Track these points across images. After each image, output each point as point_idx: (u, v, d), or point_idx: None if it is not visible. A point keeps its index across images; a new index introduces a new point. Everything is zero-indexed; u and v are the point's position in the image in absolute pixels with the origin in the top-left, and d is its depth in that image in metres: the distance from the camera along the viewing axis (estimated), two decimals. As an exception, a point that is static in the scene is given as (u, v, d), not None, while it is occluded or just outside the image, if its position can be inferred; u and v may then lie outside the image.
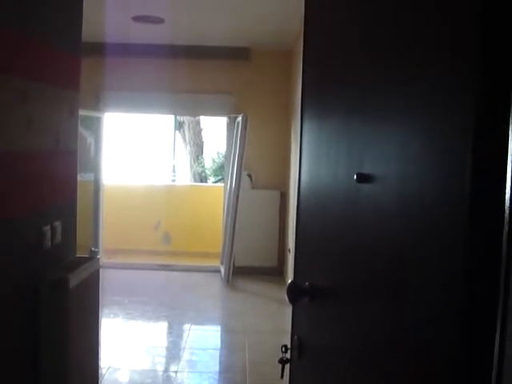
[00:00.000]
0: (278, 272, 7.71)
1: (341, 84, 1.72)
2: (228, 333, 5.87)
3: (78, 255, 3.08)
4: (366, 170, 1.48)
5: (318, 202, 1.95)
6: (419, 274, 1.12)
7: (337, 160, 1.75)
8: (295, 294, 1.96)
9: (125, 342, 5.26)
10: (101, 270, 7.07)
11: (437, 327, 1.02)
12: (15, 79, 2.29)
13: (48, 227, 2.67)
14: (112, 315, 6.04)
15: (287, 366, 2.15)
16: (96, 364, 3.22)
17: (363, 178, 1.49)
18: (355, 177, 1.51)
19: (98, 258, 3.07)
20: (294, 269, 2.15)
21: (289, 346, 2.13)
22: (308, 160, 2.09)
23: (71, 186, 3.00)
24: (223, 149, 9.00)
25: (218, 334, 6.01)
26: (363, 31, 1.51)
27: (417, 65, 1.17)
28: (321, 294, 1.86)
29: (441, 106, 1.05)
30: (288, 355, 2.14)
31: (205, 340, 5.63)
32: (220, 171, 13.81)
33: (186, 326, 5.85)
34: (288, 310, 6.13)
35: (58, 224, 2.76)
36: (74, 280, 2.61)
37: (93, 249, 3.10)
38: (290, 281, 1.98)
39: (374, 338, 1.37)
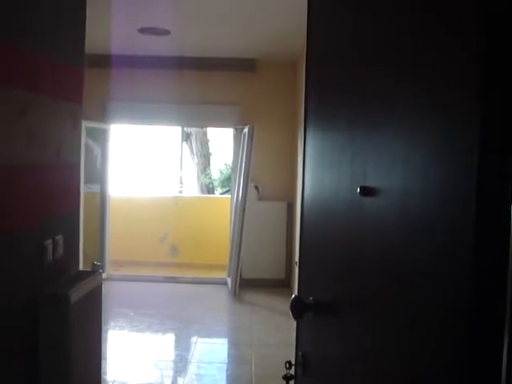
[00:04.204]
0: (285, 284, 7.66)
1: (343, 96, 1.69)
2: (235, 346, 5.82)
3: (81, 269, 3.05)
4: (370, 183, 1.45)
5: (321, 215, 1.92)
6: (424, 289, 1.09)
7: (340, 172, 1.72)
8: (299, 309, 1.92)
9: (131, 355, 5.22)
10: (107, 282, 7.06)
11: (443, 343, 0.99)
12: (14, 92, 2.27)
13: (49, 241, 2.65)
14: (118, 328, 6.01)
15: (291, 383, 2.10)
16: (98, 379, 3.17)
17: (366, 192, 1.47)
18: (358, 190, 1.48)
19: (101, 272, 3.03)
20: (298, 283, 2.11)
21: (293, 362, 2.08)
22: (312, 172, 2.06)
23: (74, 199, 2.97)
24: (230, 160, 8.98)
25: (225, 347, 5.96)
26: (365, 43, 1.48)
27: (422, 77, 1.13)
28: (325, 309, 1.82)
29: (447, 119, 1.02)
30: (292, 371, 2.10)
31: (211, 353, 5.58)
32: (227, 182, 13.79)
33: (193, 339, 5.80)
34: (294, 323, 6.07)
35: (59, 238, 2.74)
36: (76, 295, 2.58)
37: (95, 262, 3.06)
38: (293, 296, 1.93)
39: (379, 355, 1.33)
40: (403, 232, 1.20)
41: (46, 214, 2.67)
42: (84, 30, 3.01)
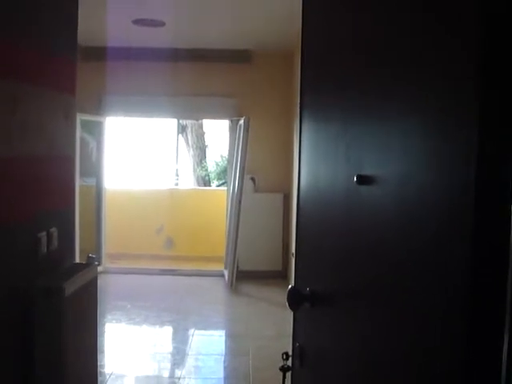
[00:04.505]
0: (282, 276, 7.66)
1: (339, 84, 1.67)
2: (232, 338, 5.82)
3: (76, 262, 3.02)
4: (366, 172, 1.44)
5: (317, 205, 1.90)
6: (421, 278, 1.07)
7: (336, 162, 1.71)
8: (296, 300, 1.90)
9: (128, 347, 5.21)
10: (103, 275, 7.04)
11: (441, 332, 0.98)
12: (4, 82, 2.24)
13: (44, 233, 2.62)
14: (115, 321, 6.00)
15: (288, 374, 2.09)
16: (94, 373, 3.16)
17: (363, 180, 1.46)
18: (355, 178, 1.47)
19: (97, 265, 3.01)
20: (295, 274, 2.10)
21: (290, 353, 2.07)
22: (307, 163, 2.04)
23: (68, 191, 2.95)
24: (226, 152, 8.95)
25: (222, 339, 5.96)
26: (363, 36, 1.46)
27: (420, 64, 1.12)
28: (322, 299, 1.81)
29: (444, 106, 1.00)
30: (289, 362, 2.08)
31: (209, 345, 5.57)
32: (223, 175, 13.76)
33: (190, 332, 5.79)
34: (292, 316, 6.07)
35: (54, 230, 2.71)
36: (70, 287, 2.56)
37: (90, 255, 3.03)
38: (290, 286, 1.92)
39: (376, 345, 1.32)
40: (400, 221, 1.19)
41: (39, 207, 2.64)
42: (76, 19, 2.98)
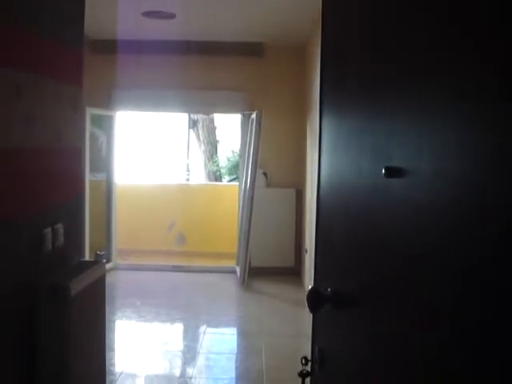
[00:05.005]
0: (294, 272, 7.54)
1: (364, 76, 1.56)
2: (244, 336, 5.70)
3: (87, 259, 2.91)
4: (396, 164, 1.33)
5: (340, 200, 1.78)
6: (458, 280, 0.97)
7: (360, 154, 1.59)
8: (316, 301, 1.78)
9: (138, 346, 5.11)
10: (114, 272, 6.97)
11: (473, 338, 0.89)
12: (9, 71, 2.12)
13: (49, 229, 2.51)
14: (125, 318, 5.90)
15: (308, 380, 1.97)
16: (102, 373, 3.05)
17: (392, 173, 1.35)
18: (383, 171, 1.36)
19: (105, 262, 2.89)
20: (315, 274, 1.97)
21: (309, 358, 1.95)
22: (328, 157, 1.92)
23: (76, 185, 2.83)
24: (238, 147, 8.84)
25: (234, 337, 5.85)
26: (393, 19, 1.34)
27: (460, 51, 1.00)
28: (345, 300, 1.71)
29: (485, 96, 0.89)
30: (308, 368, 1.96)
31: (220, 344, 5.45)
32: (235, 170, 13.68)
33: (201, 329, 5.68)
34: (305, 313, 5.99)
35: (60, 226, 2.60)
36: (77, 286, 2.44)
37: (98, 252, 2.91)
38: (310, 287, 1.80)
39: (403, 350, 1.23)
40: (437, 216, 1.08)
41: (45, 201, 2.53)
42: (83, 8, 2.85)
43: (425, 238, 1.13)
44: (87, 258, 6.65)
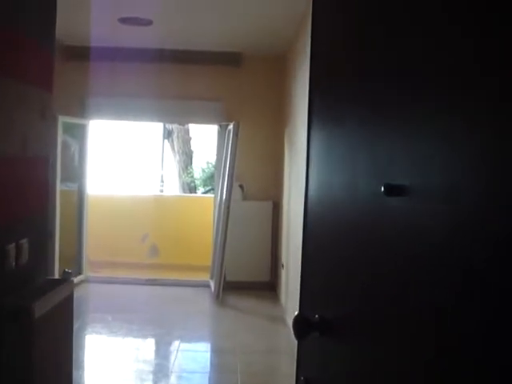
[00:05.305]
0: (270, 287, 7.39)
1: (361, 82, 1.43)
2: (218, 353, 5.52)
3: (50, 277, 2.72)
4: (397, 180, 1.20)
5: (331, 218, 1.64)
6: (467, 317, 0.86)
7: (355, 169, 1.47)
8: (303, 328, 1.64)
9: (108, 364, 4.90)
10: (85, 285, 6.75)
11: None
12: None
13: (13, 245, 2.32)
14: (95, 334, 5.69)
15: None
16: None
17: (393, 190, 1.22)
18: (382, 189, 1.23)
19: (73, 281, 2.71)
20: (300, 298, 1.83)
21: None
22: (318, 171, 1.78)
23: (43, 197, 2.65)
24: (213, 158, 8.70)
25: (208, 354, 5.65)
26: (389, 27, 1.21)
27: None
28: (334, 328, 1.57)
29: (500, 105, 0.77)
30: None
31: (194, 361, 5.26)
32: (210, 181, 13.55)
33: (174, 346, 5.49)
34: (281, 329, 5.84)
35: (24, 241, 2.41)
36: (41, 308, 2.25)
37: (66, 270, 2.72)
38: (296, 313, 1.65)
39: (396, 381, 1.13)
40: (446, 241, 0.95)
41: (8, 214, 2.34)
42: (54, 9, 2.67)
43: (426, 264, 1.01)
44: (57, 270, 6.44)
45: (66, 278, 2.63)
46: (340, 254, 1.54)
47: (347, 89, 1.55)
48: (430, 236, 1.02)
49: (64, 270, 2.78)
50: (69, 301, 2.56)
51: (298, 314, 1.64)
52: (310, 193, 1.81)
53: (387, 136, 1.27)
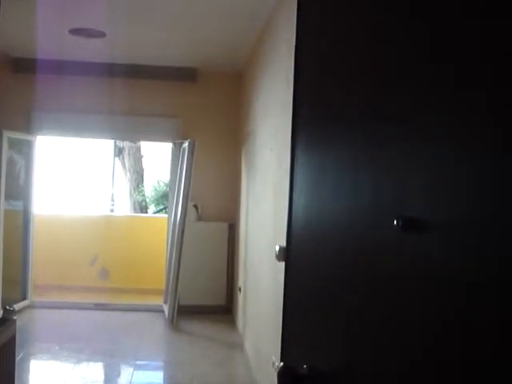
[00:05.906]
0: (226, 311, 7.13)
1: (363, 101, 1.24)
2: (174, 384, 5.21)
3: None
4: (413, 213, 1.01)
5: (322, 253, 1.43)
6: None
7: (356, 197, 1.26)
8: (290, 382, 1.40)
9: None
10: (30, 310, 6.34)
11: None
12: None
13: None
14: (41, 366, 5.30)
15: None
16: None
17: (410, 225, 1.02)
18: (395, 222, 1.04)
19: (15, 320, 2.40)
20: (282, 346, 1.60)
21: None
22: (305, 200, 1.56)
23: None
24: (165, 176, 8.42)
25: (163, 386, 5.35)
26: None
27: None
28: (327, 380, 1.35)
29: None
30: None
31: (147, 395, 4.95)
32: (161, 200, 13.23)
33: (127, 377, 5.16)
34: (239, 357, 5.55)
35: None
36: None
37: (8, 307, 2.42)
38: (281, 365, 1.42)
39: None
40: (477, 285, 0.80)
41: None
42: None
43: (456, 314, 0.85)
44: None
45: (7, 318, 2.32)
46: (331, 292, 1.33)
47: (348, 106, 1.35)
48: (446, 273, 0.87)
49: (5, 308, 2.47)
50: (11, 342, 2.25)
51: (283, 367, 1.41)
52: (295, 225, 1.59)
53: (398, 164, 1.08)
